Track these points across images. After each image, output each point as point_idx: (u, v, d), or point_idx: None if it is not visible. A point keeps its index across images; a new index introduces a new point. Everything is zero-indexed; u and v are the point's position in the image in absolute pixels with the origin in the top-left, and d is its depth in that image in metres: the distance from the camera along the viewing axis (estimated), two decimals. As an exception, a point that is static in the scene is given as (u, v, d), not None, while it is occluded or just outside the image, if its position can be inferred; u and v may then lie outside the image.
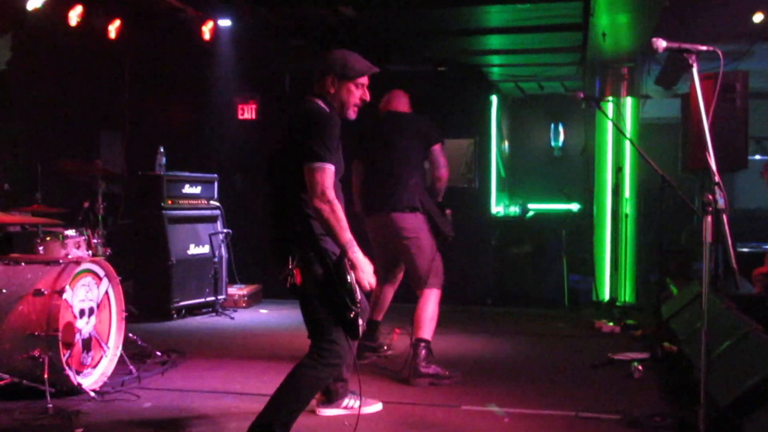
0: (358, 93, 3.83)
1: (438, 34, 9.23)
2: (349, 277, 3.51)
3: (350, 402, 4.50)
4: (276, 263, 3.70)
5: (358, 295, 3.54)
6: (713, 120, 3.68)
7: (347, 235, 3.53)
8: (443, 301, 5.54)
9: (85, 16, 7.64)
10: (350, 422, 4.29)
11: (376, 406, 4.60)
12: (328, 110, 3.75)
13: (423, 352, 5.31)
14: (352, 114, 3.85)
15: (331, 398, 4.50)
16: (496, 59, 10.50)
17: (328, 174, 3.53)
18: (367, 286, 3.63)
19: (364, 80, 3.85)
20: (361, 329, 3.59)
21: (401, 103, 5.85)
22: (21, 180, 5.99)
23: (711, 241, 3.44)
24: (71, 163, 6.13)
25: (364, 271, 3.58)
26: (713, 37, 8.21)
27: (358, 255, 3.56)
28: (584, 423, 4.38)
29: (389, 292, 6.00)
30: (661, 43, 3.46)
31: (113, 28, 8.03)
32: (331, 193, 3.51)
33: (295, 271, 3.56)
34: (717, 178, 3.41)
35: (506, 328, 7.64)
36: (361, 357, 5.77)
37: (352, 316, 3.52)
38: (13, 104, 7.91)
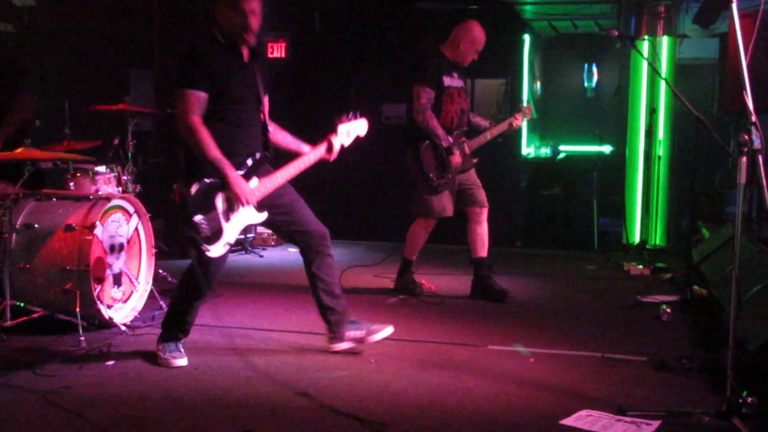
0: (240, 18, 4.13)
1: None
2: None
3: (353, 333, 4.48)
4: None
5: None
6: (752, 59, 3.56)
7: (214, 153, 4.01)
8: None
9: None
10: (376, 360, 4.32)
11: (387, 330, 4.55)
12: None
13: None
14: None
15: (334, 331, 4.49)
16: (529, -4, 10.28)
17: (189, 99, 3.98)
18: (245, 203, 4.24)
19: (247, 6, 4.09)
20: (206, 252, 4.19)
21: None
22: (51, 117, 5.99)
23: (745, 182, 3.36)
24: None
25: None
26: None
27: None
28: (610, 364, 4.36)
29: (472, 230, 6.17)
30: (699, -23, 3.34)
31: (142, -36, 7.97)
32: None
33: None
34: (754, 118, 3.31)
35: (534, 270, 7.63)
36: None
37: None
38: (43, 41, 7.91)
